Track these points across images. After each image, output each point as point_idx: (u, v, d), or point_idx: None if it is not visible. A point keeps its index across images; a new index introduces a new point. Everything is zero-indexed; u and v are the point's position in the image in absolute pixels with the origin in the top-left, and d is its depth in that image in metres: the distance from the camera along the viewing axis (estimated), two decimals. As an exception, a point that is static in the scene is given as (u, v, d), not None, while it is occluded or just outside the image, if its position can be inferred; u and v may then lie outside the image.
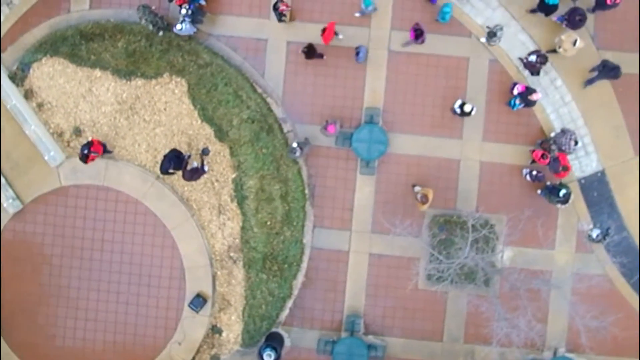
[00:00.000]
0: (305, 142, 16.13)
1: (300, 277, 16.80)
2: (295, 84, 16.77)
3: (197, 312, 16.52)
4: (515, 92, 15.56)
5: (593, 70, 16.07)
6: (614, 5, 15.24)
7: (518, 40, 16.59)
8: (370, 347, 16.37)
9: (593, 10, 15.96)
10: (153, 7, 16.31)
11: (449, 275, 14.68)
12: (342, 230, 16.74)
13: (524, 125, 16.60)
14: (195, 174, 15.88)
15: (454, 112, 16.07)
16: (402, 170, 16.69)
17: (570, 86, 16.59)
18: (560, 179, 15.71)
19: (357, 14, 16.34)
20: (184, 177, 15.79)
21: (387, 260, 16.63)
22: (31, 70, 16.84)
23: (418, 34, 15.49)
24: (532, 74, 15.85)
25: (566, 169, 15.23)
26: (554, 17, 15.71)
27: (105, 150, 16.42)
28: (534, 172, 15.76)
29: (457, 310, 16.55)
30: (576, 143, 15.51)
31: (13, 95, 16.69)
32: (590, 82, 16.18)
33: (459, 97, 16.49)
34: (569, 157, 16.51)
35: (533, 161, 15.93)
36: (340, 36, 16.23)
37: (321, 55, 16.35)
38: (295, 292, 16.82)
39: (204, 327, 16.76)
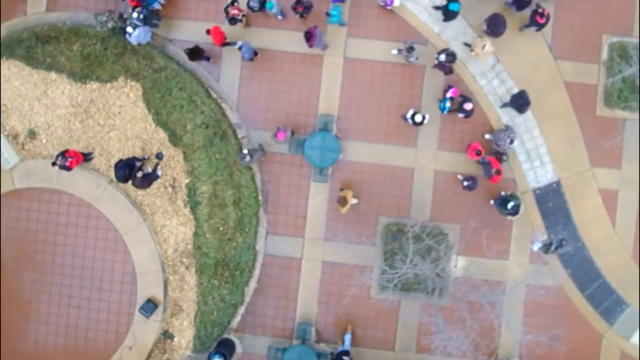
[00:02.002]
0: (257, 149, 16.06)
1: (253, 284, 16.74)
2: (250, 89, 16.71)
3: (147, 317, 16.47)
4: (448, 95, 15.47)
5: (505, 104, 16.17)
6: (546, 23, 15.37)
7: (475, 49, 16.49)
8: (320, 355, 16.28)
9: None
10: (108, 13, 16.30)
11: (394, 285, 14.58)
12: (295, 237, 16.67)
13: (479, 135, 16.47)
14: (145, 181, 15.80)
15: (406, 120, 15.97)
16: (356, 177, 16.60)
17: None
18: (495, 183, 15.47)
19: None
20: (133, 184, 15.71)
21: (339, 268, 16.53)
22: (-14, 72, 16.85)
23: (307, 37, 15.34)
24: (445, 74, 15.76)
25: (499, 172, 15.12)
26: (483, 25, 15.67)
27: (86, 158, 16.41)
28: (465, 183, 15.60)
29: (409, 319, 16.43)
30: (512, 142, 15.39)
31: (-32, 97, 16.71)
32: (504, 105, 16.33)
33: (415, 105, 16.41)
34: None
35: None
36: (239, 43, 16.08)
37: (207, 58, 16.31)
38: (247, 298, 16.75)
39: (155, 332, 16.71)
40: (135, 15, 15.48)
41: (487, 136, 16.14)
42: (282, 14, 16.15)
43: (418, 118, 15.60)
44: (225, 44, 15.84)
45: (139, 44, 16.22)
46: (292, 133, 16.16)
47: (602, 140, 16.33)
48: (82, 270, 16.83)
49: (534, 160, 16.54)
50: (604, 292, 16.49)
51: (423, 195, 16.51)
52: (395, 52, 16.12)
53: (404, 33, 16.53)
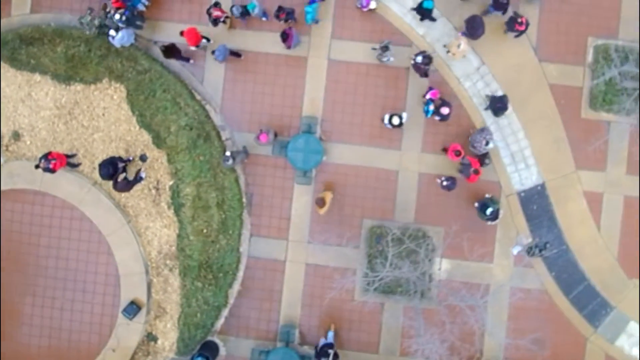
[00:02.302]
0: (239, 151, 16.02)
1: (236, 286, 16.70)
2: (234, 91, 16.68)
3: (130, 319, 16.43)
4: (427, 97, 15.44)
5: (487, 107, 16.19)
6: (525, 30, 15.34)
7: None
8: (304, 357, 16.22)
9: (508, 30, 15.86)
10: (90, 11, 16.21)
11: (375, 288, 14.54)
12: (279, 239, 16.63)
13: (463, 137, 16.40)
14: (127, 186, 15.75)
15: (385, 124, 15.92)
16: (340, 180, 16.56)
17: (512, 98, 16.33)
18: (473, 183, 15.43)
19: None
20: (115, 187, 15.67)
21: (323, 270, 16.48)
22: (-30, 74, 16.84)
23: (284, 38, 15.45)
24: (420, 76, 15.74)
25: (477, 172, 15.10)
26: (459, 33, 15.64)
27: (69, 162, 16.36)
28: (444, 182, 15.52)
29: (393, 322, 16.37)
30: (487, 144, 15.37)
31: (-48, 99, 16.70)
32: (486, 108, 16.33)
33: (399, 107, 16.36)
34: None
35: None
36: (211, 41, 16.09)
37: (187, 59, 16.29)
38: (231, 301, 16.71)
39: (139, 335, 16.67)
40: (117, 17, 15.41)
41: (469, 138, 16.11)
42: (265, 15, 16.11)
43: (395, 121, 15.57)
44: (199, 45, 15.80)
45: (122, 47, 16.19)
46: (275, 135, 16.13)
47: (587, 143, 16.25)
48: (66, 271, 16.80)
49: (519, 163, 16.49)
50: (589, 295, 16.43)
51: (407, 197, 16.47)
52: (377, 54, 16.04)
53: (389, 35, 16.47)
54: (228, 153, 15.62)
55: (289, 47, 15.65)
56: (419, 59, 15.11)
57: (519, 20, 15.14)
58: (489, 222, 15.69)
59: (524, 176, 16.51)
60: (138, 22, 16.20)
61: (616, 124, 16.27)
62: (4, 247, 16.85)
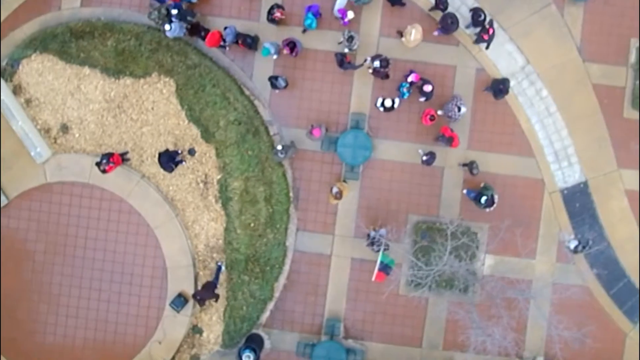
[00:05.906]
0: (290, 145, 16.22)
1: (282, 280, 16.88)
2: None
3: (178, 311, 16.58)
4: (410, 79, 15.85)
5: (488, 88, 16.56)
6: (491, 38, 15.68)
7: (505, 50, 16.71)
8: (349, 351, 16.44)
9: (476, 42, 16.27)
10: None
11: (427, 282, 14.76)
12: (325, 234, 16.82)
13: (509, 135, 16.70)
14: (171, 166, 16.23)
15: (378, 108, 16.24)
16: (386, 176, 16.79)
17: (556, 97, 16.71)
18: (454, 148, 16.02)
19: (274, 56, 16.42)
20: (160, 163, 16.24)
21: (368, 265, 16.62)
22: (20, 66, 16.91)
23: (291, 48, 15.83)
24: (381, 78, 16.15)
25: (452, 139, 15.54)
26: (435, 32, 16.32)
27: (123, 159, 16.65)
28: (424, 157, 15.84)
29: (437, 316, 16.61)
30: (459, 109, 15.71)
31: (1, 91, 16.75)
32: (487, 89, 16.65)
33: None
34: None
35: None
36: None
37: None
38: (277, 294, 16.89)
39: (185, 327, 16.82)
40: (174, 12, 15.57)
41: (439, 112, 16.27)
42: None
43: (388, 103, 15.86)
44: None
45: (172, 39, 16.38)
46: (326, 130, 16.33)
47: (629, 142, 16.54)
48: (113, 264, 16.94)
49: (562, 161, 16.77)
50: (629, 291, 16.72)
51: (452, 194, 16.71)
52: (341, 40, 16.19)
53: (429, 32, 16.66)
54: (280, 147, 15.82)
55: (296, 55, 16.09)
56: (377, 63, 15.44)
57: (486, 28, 15.46)
58: (487, 210, 15.96)
59: (567, 174, 16.79)
60: (189, 17, 16.36)
61: (658, 123, 16.59)
62: (51, 239, 16.96)
